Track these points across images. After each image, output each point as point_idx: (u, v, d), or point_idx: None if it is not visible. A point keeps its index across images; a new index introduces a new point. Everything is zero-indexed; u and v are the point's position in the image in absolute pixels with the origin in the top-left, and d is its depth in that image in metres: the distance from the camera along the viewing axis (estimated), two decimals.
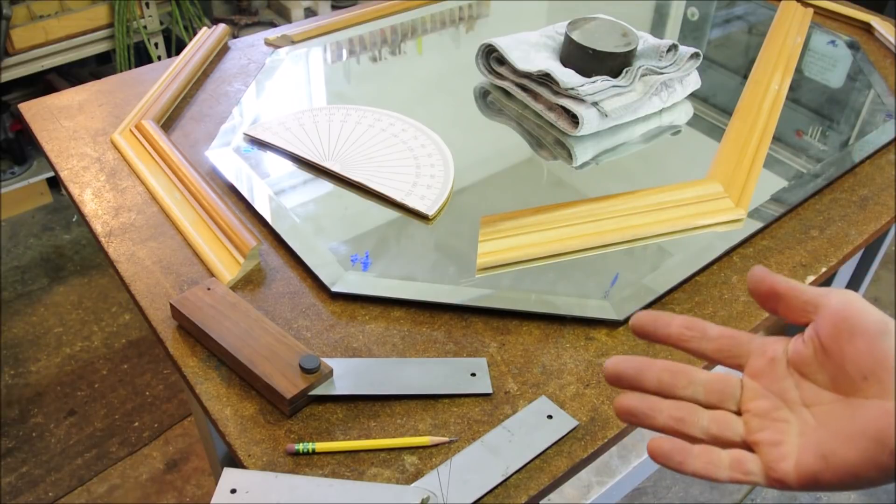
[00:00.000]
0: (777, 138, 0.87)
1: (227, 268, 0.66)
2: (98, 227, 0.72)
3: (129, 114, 0.86)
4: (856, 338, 0.36)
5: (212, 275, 0.66)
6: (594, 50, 0.84)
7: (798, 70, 1.02)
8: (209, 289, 0.62)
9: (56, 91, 0.93)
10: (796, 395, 0.38)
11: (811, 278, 0.69)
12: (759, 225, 0.74)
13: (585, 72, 0.85)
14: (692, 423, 0.39)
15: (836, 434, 0.36)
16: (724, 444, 0.38)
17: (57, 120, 0.87)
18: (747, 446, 0.38)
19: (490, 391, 0.57)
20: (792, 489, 0.37)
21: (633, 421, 0.40)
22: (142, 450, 1.44)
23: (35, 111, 0.88)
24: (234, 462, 0.53)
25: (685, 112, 0.92)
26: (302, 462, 0.52)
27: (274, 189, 0.76)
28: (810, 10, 1.16)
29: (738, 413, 0.39)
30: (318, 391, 0.55)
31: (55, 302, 1.73)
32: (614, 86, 0.84)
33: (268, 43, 1.03)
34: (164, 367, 1.59)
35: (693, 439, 0.38)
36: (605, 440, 0.55)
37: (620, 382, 0.40)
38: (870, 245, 1.05)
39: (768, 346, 0.40)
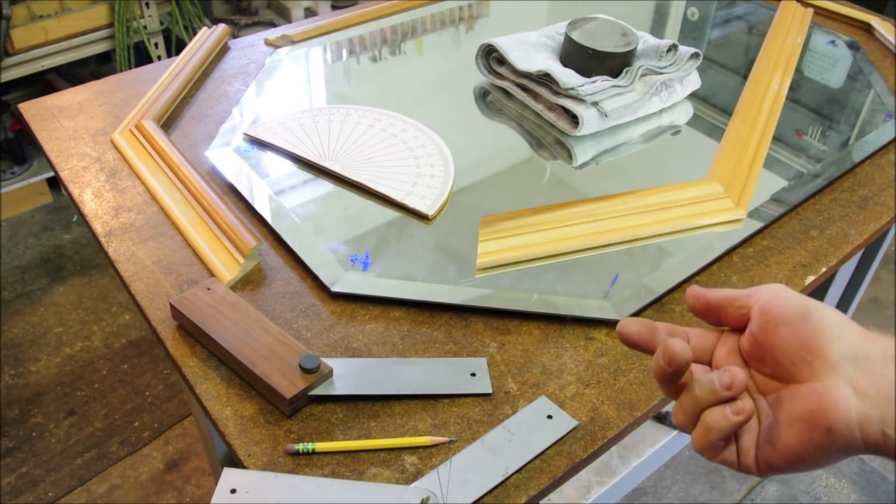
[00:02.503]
0: (777, 138, 0.87)
1: (227, 268, 0.66)
2: (98, 227, 0.72)
3: (129, 114, 0.86)
4: (779, 327, 0.38)
5: (212, 275, 0.66)
6: (594, 50, 0.84)
7: (798, 70, 1.02)
8: (209, 289, 0.62)
9: (56, 91, 0.93)
10: (752, 385, 0.40)
11: (811, 278, 0.69)
12: (759, 225, 0.74)
13: (585, 72, 0.85)
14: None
15: (779, 421, 0.37)
16: None
17: (57, 120, 0.87)
18: None
19: (490, 391, 0.57)
20: (758, 475, 0.39)
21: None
22: (142, 450, 1.44)
23: (35, 111, 0.88)
24: (234, 462, 0.53)
25: (685, 112, 0.92)
26: (302, 462, 0.52)
27: (274, 189, 0.76)
28: (810, 10, 1.16)
29: None
30: (318, 391, 0.55)
31: (55, 302, 1.73)
32: (614, 86, 0.84)
33: (268, 43, 1.03)
34: (164, 367, 1.59)
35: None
36: (605, 440, 0.55)
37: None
38: (870, 245, 1.05)
39: (729, 338, 0.42)
